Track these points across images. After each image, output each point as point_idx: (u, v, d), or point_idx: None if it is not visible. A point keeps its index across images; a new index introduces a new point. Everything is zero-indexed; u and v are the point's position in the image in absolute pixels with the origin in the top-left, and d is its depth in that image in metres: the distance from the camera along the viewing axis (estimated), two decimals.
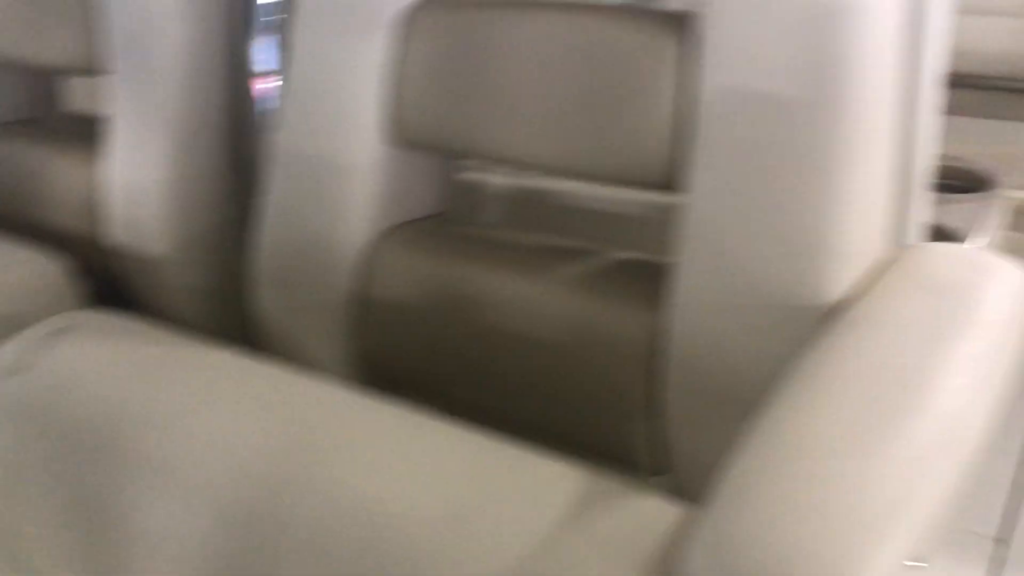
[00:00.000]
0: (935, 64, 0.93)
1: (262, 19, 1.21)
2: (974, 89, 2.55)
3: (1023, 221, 2.60)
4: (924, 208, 1.01)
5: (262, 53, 1.21)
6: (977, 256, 0.84)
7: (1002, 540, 1.91)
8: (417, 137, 0.98)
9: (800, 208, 0.78)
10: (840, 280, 0.79)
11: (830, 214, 0.78)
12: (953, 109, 2.49)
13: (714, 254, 0.82)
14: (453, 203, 1.12)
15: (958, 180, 1.39)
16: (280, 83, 1.08)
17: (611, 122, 0.86)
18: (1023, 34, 2.44)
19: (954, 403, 0.66)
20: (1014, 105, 2.44)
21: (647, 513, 0.65)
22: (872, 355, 0.69)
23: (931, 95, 0.95)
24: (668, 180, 0.85)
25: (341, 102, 0.99)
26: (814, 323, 0.78)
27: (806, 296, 0.79)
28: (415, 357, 1.00)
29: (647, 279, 0.90)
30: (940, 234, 1.25)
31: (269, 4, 1.22)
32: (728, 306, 0.82)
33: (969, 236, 1.23)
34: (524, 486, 0.68)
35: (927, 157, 0.98)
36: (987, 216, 1.30)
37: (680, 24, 0.83)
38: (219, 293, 1.15)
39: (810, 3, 0.75)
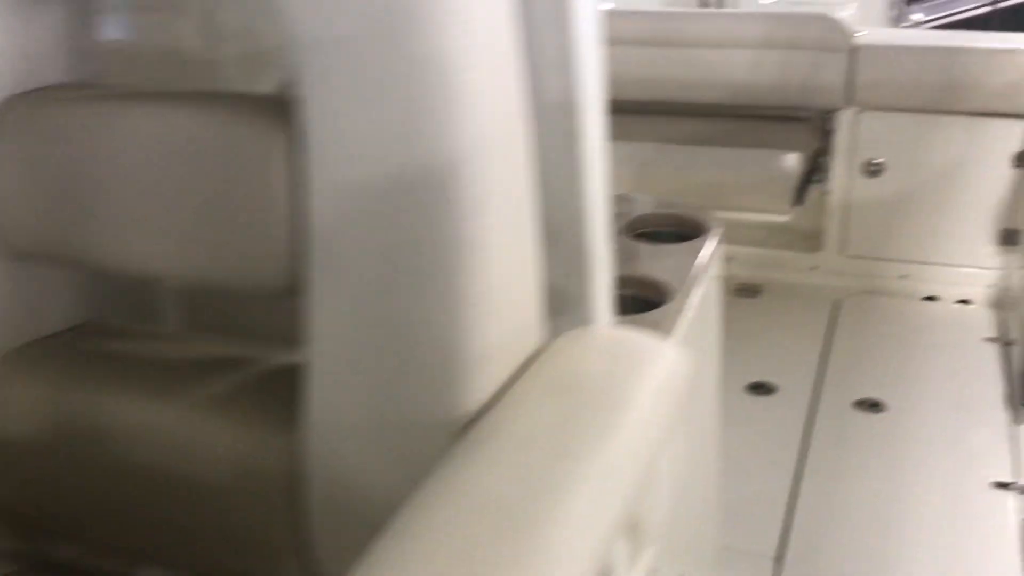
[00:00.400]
0: (594, 123, 0.85)
1: None
2: (720, 118, 2.60)
3: (742, 235, 2.69)
4: (605, 274, 0.93)
5: None
6: (630, 340, 0.76)
7: (780, 558, 1.91)
8: (21, 247, 0.82)
9: (426, 314, 0.68)
10: (479, 388, 0.69)
11: (460, 318, 0.68)
12: (697, 139, 2.53)
13: (342, 368, 0.71)
14: (116, 303, 0.97)
15: (674, 226, 1.35)
16: None
17: (224, 223, 0.74)
18: (761, 64, 2.51)
19: (570, 528, 0.57)
20: (759, 132, 2.51)
21: None
22: (487, 484, 0.60)
23: (595, 160, 0.87)
24: (291, 286, 0.73)
25: None
26: (451, 440, 0.68)
27: (441, 410, 0.69)
28: (48, 498, 0.85)
29: (289, 394, 0.78)
30: (650, 287, 1.19)
31: None
32: (362, 424, 0.71)
33: (680, 287, 1.19)
34: None
35: (600, 220, 0.90)
36: (702, 263, 1.26)
37: (288, 111, 0.72)
38: None
39: (407, 84, 0.65)
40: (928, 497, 1.93)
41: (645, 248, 1.28)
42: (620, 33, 2.59)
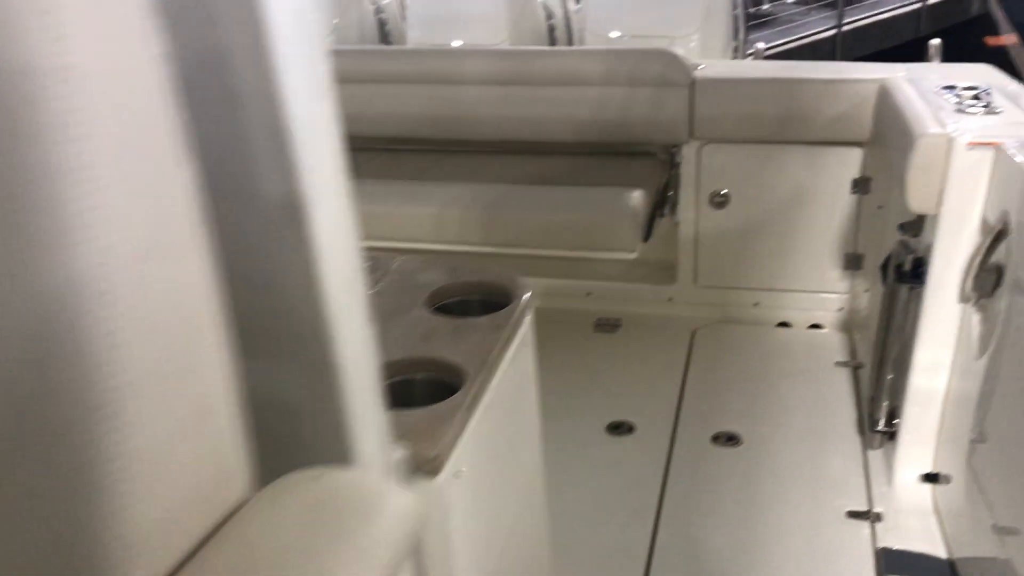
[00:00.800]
0: (329, 203, 0.69)
1: None
2: (567, 156, 2.49)
3: (599, 269, 2.61)
4: (364, 379, 0.79)
5: None
6: (349, 490, 0.61)
7: None
8: None
9: (57, 492, 0.52)
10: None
11: (100, 496, 0.52)
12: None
13: None
14: None
15: (482, 294, 1.21)
16: None
17: None
18: (606, 101, 2.42)
19: None
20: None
21: None
22: None
23: (335, 248, 0.72)
24: None
25: None
26: None
27: None
28: None
29: None
30: (448, 370, 1.05)
31: None
32: None
33: (482, 368, 1.05)
34: None
35: (352, 317, 0.75)
36: (508, 336, 1.12)
37: None
38: None
39: (5, 205, 0.49)
40: (785, 530, 1.85)
41: (446, 323, 1.14)
42: (467, 71, 2.47)
